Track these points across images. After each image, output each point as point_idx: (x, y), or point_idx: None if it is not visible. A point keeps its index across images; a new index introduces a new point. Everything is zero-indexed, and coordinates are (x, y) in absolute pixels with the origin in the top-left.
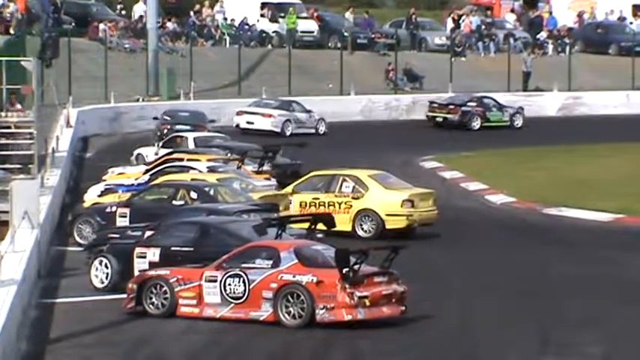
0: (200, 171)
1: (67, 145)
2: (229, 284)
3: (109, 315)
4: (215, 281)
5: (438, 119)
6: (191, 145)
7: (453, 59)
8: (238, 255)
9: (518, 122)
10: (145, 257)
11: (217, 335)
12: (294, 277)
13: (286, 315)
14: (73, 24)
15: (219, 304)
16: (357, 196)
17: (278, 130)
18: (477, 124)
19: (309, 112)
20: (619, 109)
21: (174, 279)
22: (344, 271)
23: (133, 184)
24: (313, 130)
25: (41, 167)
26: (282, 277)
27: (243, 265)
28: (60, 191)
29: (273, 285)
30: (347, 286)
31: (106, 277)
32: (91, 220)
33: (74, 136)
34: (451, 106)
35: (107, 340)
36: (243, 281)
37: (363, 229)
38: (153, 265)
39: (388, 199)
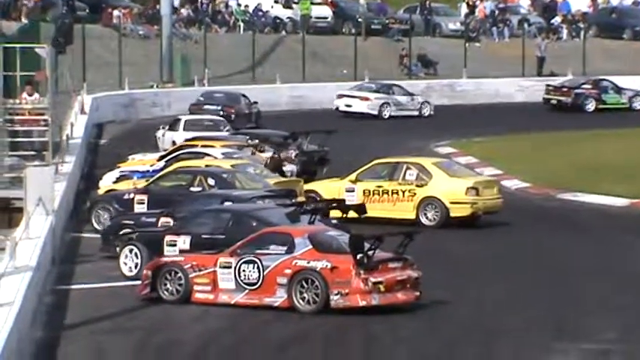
0: (215, 157)
1: (82, 131)
2: (244, 270)
3: (123, 301)
4: (229, 267)
5: (552, 102)
6: (181, 129)
7: (467, 45)
8: (253, 241)
9: (637, 104)
10: (175, 245)
11: (232, 321)
12: (308, 263)
13: (300, 301)
14: (87, 10)
15: (233, 290)
16: (421, 184)
17: (375, 112)
18: (591, 106)
19: (411, 95)
20: None
21: (189, 265)
22: (358, 256)
23: (148, 171)
24: (416, 113)
25: (56, 154)
26: (296, 263)
27: (258, 251)
28: (74, 178)
29: (288, 271)
30: (361, 271)
31: (135, 266)
32: (109, 206)
33: (88, 123)
34: (564, 89)
35: (122, 327)
36: (258, 267)
37: (427, 217)
38: (184, 253)
39: (452, 187)
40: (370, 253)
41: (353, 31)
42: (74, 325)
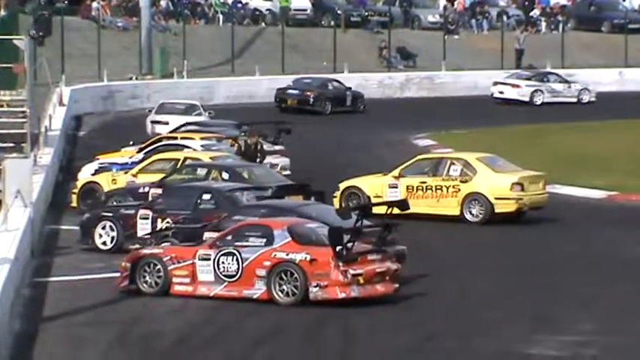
0: (194, 149)
1: (60, 123)
2: (223, 262)
3: (102, 294)
4: (209, 259)
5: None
6: (153, 112)
7: (446, 37)
8: (232, 233)
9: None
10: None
11: (211, 313)
12: (287, 255)
13: (280, 293)
14: (66, 2)
15: (212, 283)
16: (466, 180)
17: (526, 99)
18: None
19: (568, 82)
20: (612, 86)
21: (168, 257)
22: (337, 249)
23: (127, 163)
24: (574, 100)
25: (34, 146)
26: (275, 255)
27: (237, 244)
28: (53, 170)
29: (267, 263)
30: (340, 264)
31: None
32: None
33: (67, 115)
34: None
35: (100, 319)
36: (237, 259)
37: (471, 213)
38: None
39: (497, 183)
40: (349, 245)
41: (332, 23)
42: (52, 317)
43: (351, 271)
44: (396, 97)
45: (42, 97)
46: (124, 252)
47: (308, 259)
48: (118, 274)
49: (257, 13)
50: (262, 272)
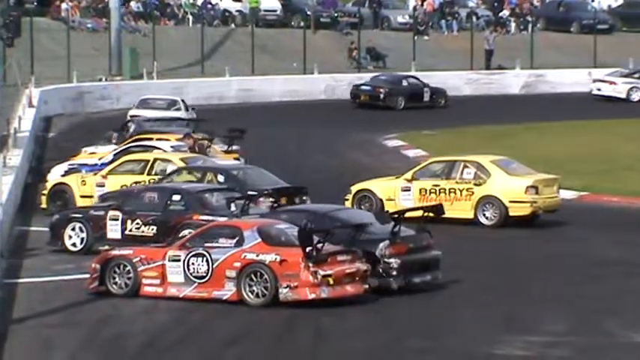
0: (164, 150)
1: (30, 125)
2: (193, 263)
3: (72, 295)
4: (178, 260)
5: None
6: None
7: (415, 38)
8: (202, 234)
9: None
10: None
11: (181, 314)
12: (257, 256)
13: (250, 294)
14: (35, 3)
15: (182, 284)
16: (479, 183)
17: (622, 96)
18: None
19: None
20: (581, 87)
21: (138, 259)
22: (307, 249)
23: (96, 164)
24: None
25: (3, 147)
26: (245, 256)
27: (207, 245)
28: (22, 171)
29: (237, 264)
30: (310, 264)
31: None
32: None
33: (37, 116)
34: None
35: (70, 320)
36: (207, 260)
37: (485, 216)
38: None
39: (511, 186)
40: (319, 246)
41: (302, 24)
42: (22, 318)
43: (321, 272)
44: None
45: (11, 98)
46: (93, 253)
47: (278, 260)
48: (87, 276)
49: (227, 14)
50: (232, 273)
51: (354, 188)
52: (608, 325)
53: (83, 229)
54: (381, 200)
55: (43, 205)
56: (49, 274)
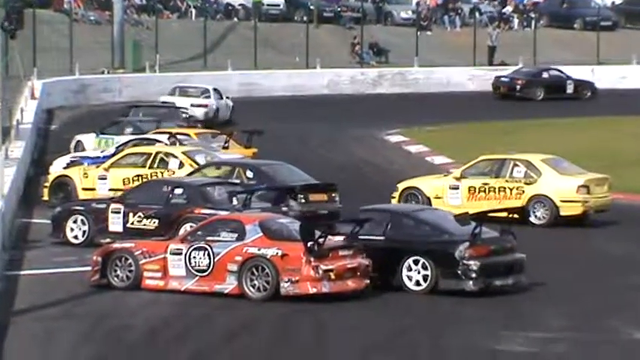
0: (166, 144)
1: (32, 117)
2: (194, 257)
3: (73, 287)
4: (180, 254)
5: None
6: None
7: (418, 33)
8: (203, 228)
9: None
10: None
11: (182, 308)
12: (259, 250)
13: (251, 288)
14: None
15: (184, 277)
16: (530, 182)
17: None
18: None
19: None
20: None
21: (139, 251)
22: (309, 244)
23: (98, 157)
24: None
25: (5, 139)
26: (247, 250)
27: (209, 238)
28: (24, 163)
29: (238, 258)
30: (312, 259)
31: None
32: None
33: (39, 108)
34: None
35: (71, 313)
36: (208, 254)
37: (536, 215)
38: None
39: (563, 185)
40: (321, 240)
41: (305, 18)
42: (23, 310)
43: (323, 267)
44: (368, 93)
45: (13, 90)
46: (95, 246)
47: (279, 254)
48: (89, 268)
49: (230, 7)
50: (234, 267)
51: (401, 186)
52: (608, 322)
53: (85, 221)
54: (428, 198)
55: (45, 198)
56: (51, 266)
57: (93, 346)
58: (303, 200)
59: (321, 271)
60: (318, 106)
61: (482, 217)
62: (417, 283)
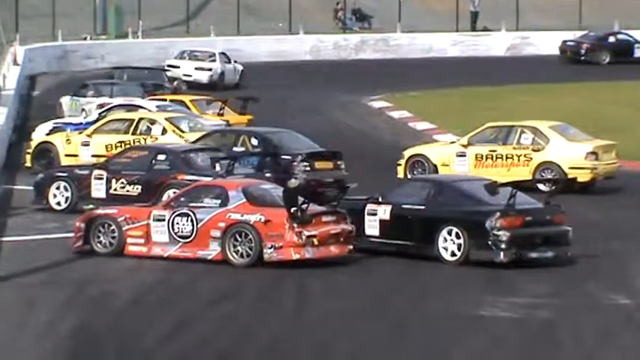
0: (149, 110)
1: (14, 83)
2: (177, 223)
3: (56, 254)
4: (163, 220)
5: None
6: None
7: None
8: (186, 194)
9: None
10: (375, 215)
11: (165, 274)
12: (242, 216)
13: (234, 254)
14: None
15: (167, 243)
16: (538, 148)
17: None
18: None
19: None
20: None
21: (122, 218)
22: (292, 210)
23: (81, 123)
24: None
25: None
26: (230, 216)
27: (192, 205)
28: (7, 130)
29: (221, 224)
30: (295, 225)
31: None
32: None
33: (21, 75)
34: None
35: (54, 279)
36: (192, 220)
37: (544, 183)
38: (383, 224)
39: (571, 152)
40: (304, 206)
41: None
42: (6, 277)
43: (306, 233)
44: (351, 59)
45: None
46: (78, 212)
47: (262, 220)
48: (72, 235)
49: None
50: (217, 233)
51: (407, 153)
52: (592, 287)
53: (68, 187)
54: (435, 166)
55: (28, 164)
56: (34, 232)
57: (76, 312)
58: (308, 168)
59: (304, 237)
60: (300, 71)
61: (518, 186)
62: (453, 254)
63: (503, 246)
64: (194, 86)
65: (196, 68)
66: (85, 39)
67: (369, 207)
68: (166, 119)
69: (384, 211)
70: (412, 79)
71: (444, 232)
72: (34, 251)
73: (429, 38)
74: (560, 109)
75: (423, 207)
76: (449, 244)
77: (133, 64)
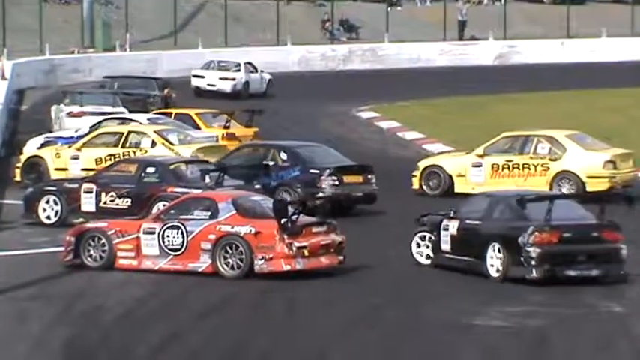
0: (141, 123)
1: (3, 97)
2: (168, 236)
3: (46, 268)
4: (153, 233)
5: None
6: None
7: (389, 9)
8: (176, 206)
9: None
10: (448, 230)
11: (156, 287)
12: (232, 228)
13: (225, 266)
14: None
15: (157, 256)
16: (555, 158)
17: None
18: None
19: None
20: (553, 58)
21: (113, 231)
22: (282, 221)
23: (72, 137)
24: None
25: None
26: (220, 228)
27: (182, 217)
28: None
29: (212, 236)
30: (285, 236)
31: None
32: None
33: (9, 89)
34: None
35: (45, 293)
36: (182, 233)
37: (561, 192)
38: (452, 239)
39: (589, 161)
40: (294, 217)
41: None
42: None
43: (296, 244)
44: (339, 70)
45: None
46: (68, 226)
47: (253, 231)
48: (62, 249)
49: None
50: (207, 245)
51: (422, 164)
52: (586, 296)
53: (57, 201)
54: (450, 177)
55: (18, 178)
56: (24, 247)
57: (67, 327)
58: (337, 182)
59: (294, 248)
60: (289, 83)
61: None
62: (497, 270)
63: (533, 262)
64: (218, 95)
65: (220, 78)
66: (73, 53)
67: (444, 222)
68: (155, 132)
69: (453, 227)
70: (400, 89)
71: (491, 249)
72: (25, 265)
73: (417, 48)
74: (550, 117)
75: (479, 222)
76: (495, 260)
77: None
